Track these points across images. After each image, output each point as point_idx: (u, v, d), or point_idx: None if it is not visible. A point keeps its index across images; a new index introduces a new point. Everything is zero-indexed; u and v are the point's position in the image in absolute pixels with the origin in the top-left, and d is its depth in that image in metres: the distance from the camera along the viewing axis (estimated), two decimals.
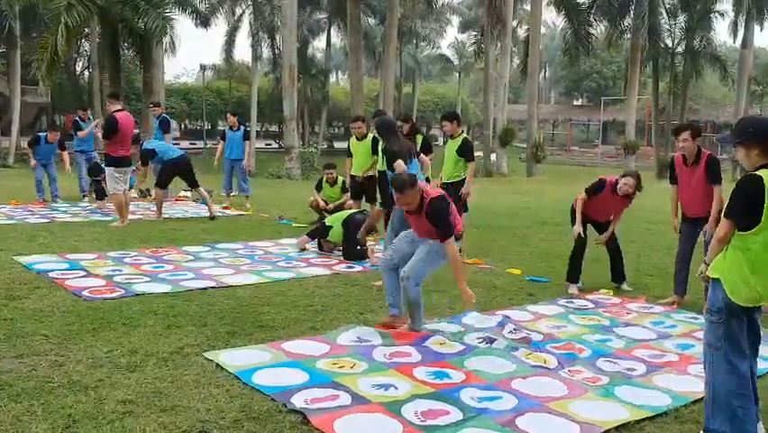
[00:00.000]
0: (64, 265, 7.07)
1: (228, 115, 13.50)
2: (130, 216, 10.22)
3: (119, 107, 10.10)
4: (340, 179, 10.45)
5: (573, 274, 7.00)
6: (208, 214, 10.90)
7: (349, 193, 10.02)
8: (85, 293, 5.93)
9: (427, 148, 8.72)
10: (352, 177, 9.46)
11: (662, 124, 35.53)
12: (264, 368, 4.29)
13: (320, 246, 8.54)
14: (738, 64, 33.81)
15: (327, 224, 8.51)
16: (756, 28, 32.78)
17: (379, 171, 8.18)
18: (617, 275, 7.17)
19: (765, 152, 3.32)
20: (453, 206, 5.27)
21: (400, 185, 5.00)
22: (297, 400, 3.78)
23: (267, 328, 5.18)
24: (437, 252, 5.08)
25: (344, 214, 8.55)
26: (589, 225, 7.17)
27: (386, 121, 7.35)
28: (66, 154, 12.83)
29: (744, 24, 32.37)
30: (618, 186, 6.80)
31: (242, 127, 13.05)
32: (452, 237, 4.96)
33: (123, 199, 9.91)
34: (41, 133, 12.66)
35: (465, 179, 8.37)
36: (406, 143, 7.09)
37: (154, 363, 4.32)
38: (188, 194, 11.18)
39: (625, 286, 7.08)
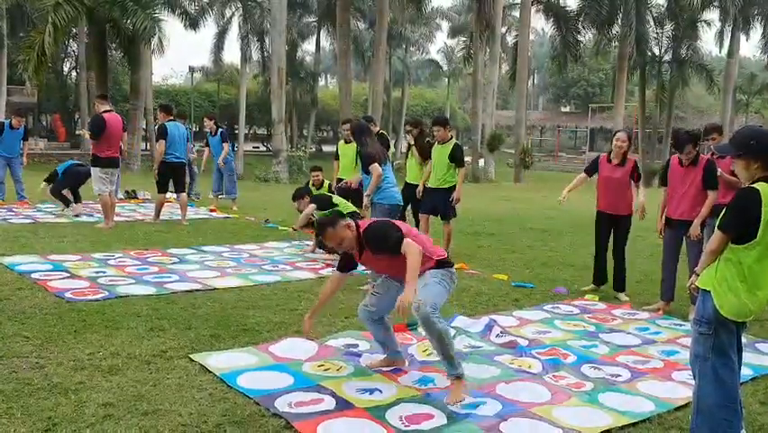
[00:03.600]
0: (47, 266, 7.00)
1: (204, 119, 13.26)
2: (115, 218, 10.16)
3: (108, 108, 10.03)
4: (326, 182, 10.42)
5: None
6: (181, 217, 10.82)
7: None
8: (67, 295, 5.87)
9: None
10: (339, 180, 9.43)
11: (648, 131, 35.74)
12: (250, 371, 4.26)
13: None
14: (724, 73, 34.09)
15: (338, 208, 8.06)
16: (742, 38, 33.13)
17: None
18: (617, 282, 7.07)
19: (767, 166, 3.24)
20: (404, 225, 4.28)
21: (319, 227, 4.15)
22: (281, 404, 3.76)
23: (251, 332, 5.15)
24: (443, 275, 4.13)
25: (350, 208, 8.01)
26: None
27: (361, 125, 7.41)
28: (27, 146, 12.77)
29: (730, 34, 32.66)
30: (613, 147, 6.86)
31: (220, 130, 12.94)
32: (407, 242, 3.95)
33: (108, 200, 9.84)
34: (4, 120, 12.40)
35: (456, 184, 8.38)
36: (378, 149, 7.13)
37: (136, 366, 4.28)
38: (175, 196, 11.13)
39: (622, 297, 6.95)
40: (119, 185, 12.94)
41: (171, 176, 10.65)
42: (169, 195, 11.11)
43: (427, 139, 9.26)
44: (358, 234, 4.08)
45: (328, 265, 7.86)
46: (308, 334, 4.52)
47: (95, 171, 9.86)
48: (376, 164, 6.73)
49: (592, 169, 7.10)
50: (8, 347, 4.49)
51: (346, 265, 4.35)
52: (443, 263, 4.17)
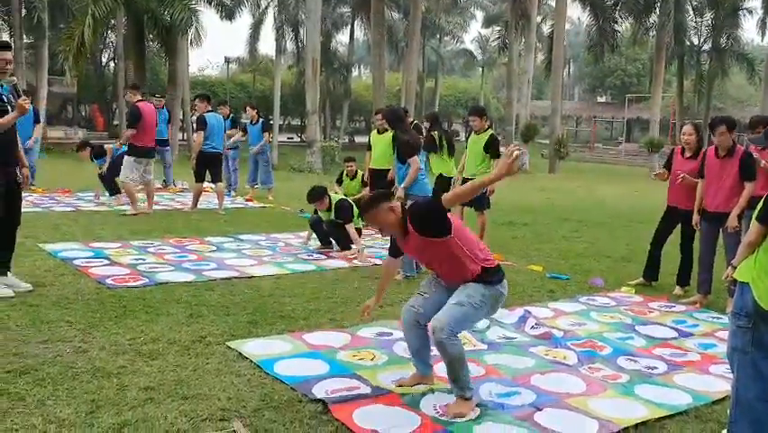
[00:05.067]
0: (88, 253, 7.16)
1: (247, 108, 13.49)
2: (154, 207, 10.36)
3: (140, 98, 10.24)
4: (360, 172, 10.46)
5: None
6: (218, 206, 11.00)
7: (368, 187, 10.02)
8: (108, 281, 6.00)
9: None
10: (371, 170, 9.47)
11: (686, 122, 35.22)
12: (286, 358, 4.32)
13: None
14: (766, 62, 33.33)
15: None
16: None
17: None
18: (679, 277, 6.95)
19: None
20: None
21: (363, 207, 3.89)
22: (318, 391, 3.81)
23: (288, 319, 5.22)
24: (485, 299, 3.70)
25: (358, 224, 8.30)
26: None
27: (395, 110, 7.33)
28: (39, 128, 12.52)
29: None
30: (683, 140, 6.80)
31: (261, 120, 13.14)
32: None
33: (132, 188, 10.05)
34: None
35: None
36: (415, 136, 7.12)
37: (176, 351, 4.36)
38: (212, 185, 11.31)
39: (677, 290, 6.84)
40: (170, 175, 13.39)
41: (208, 166, 10.81)
42: (206, 184, 11.26)
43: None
44: (402, 214, 3.75)
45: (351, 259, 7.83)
46: (365, 317, 4.32)
47: (127, 159, 10.07)
48: (416, 157, 6.73)
49: (668, 162, 7.01)
50: (52, 332, 4.61)
51: (397, 250, 4.05)
52: (490, 275, 3.73)
